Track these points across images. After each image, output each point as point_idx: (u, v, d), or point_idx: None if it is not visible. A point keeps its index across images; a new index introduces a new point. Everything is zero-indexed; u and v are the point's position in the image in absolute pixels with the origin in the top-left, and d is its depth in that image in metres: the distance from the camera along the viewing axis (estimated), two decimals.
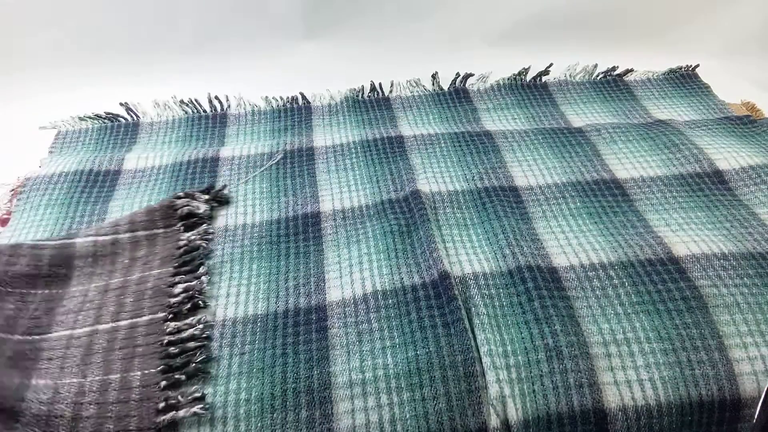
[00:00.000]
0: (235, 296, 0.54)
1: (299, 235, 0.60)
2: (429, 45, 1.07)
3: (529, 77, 0.93)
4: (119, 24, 1.01)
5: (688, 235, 0.58)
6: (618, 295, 0.51)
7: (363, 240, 0.59)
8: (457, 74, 0.93)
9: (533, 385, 0.44)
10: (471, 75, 0.93)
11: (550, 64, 0.93)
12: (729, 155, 0.69)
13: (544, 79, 0.92)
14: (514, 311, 0.50)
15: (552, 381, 0.44)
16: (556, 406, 0.43)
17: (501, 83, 0.91)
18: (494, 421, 0.43)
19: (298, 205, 0.64)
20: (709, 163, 0.68)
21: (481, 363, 0.46)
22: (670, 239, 0.57)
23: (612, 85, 0.92)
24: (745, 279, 0.51)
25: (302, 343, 0.49)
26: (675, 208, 0.62)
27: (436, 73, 0.93)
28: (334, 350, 0.48)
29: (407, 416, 0.44)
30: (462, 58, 1.03)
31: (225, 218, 0.63)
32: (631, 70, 0.95)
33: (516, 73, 0.93)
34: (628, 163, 0.70)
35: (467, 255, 0.57)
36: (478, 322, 0.49)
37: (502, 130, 0.77)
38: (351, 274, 0.55)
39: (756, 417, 0.42)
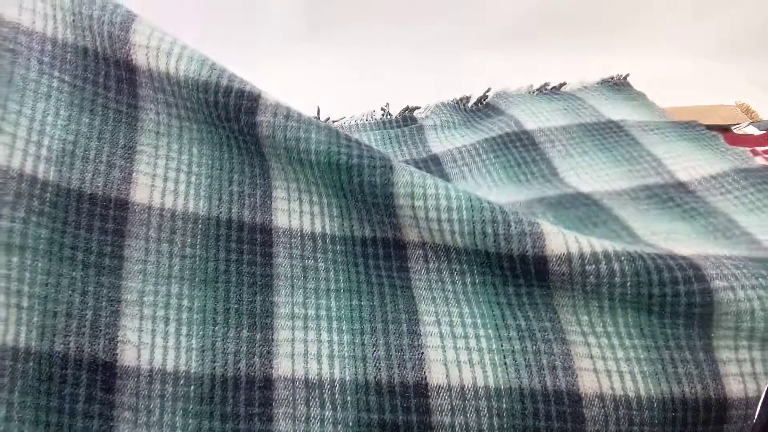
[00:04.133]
0: (173, 182, 0.47)
1: (244, 129, 0.49)
2: (430, 44, 1.07)
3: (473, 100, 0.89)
4: None
5: (675, 241, 0.54)
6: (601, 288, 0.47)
7: (313, 164, 0.49)
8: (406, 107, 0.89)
9: (504, 358, 0.42)
10: (417, 108, 0.89)
11: (488, 89, 0.90)
12: (688, 165, 0.66)
13: (487, 96, 0.88)
14: (486, 290, 0.47)
15: (525, 358, 0.42)
16: (528, 381, 0.41)
17: (445, 103, 0.87)
18: (440, 380, 0.41)
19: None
20: (670, 175, 0.65)
21: (438, 326, 0.44)
22: (659, 245, 0.53)
23: (552, 93, 0.89)
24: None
25: (246, 264, 0.45)
26: (654, 217, 0.59)
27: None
28: (278, 280, 0.45)
29: (346, 356, 0.42)
30: (463, 57, 1.03)
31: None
32: (564, 84, 0.91)
33: (458, 99, 0.89)
34: (588, 177, 0.66)
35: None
36: (442, 295, 0.46)
37: (449, 150, 0.73)
38: (300, 201, 0.49)
39: (756, 417, 0.42)
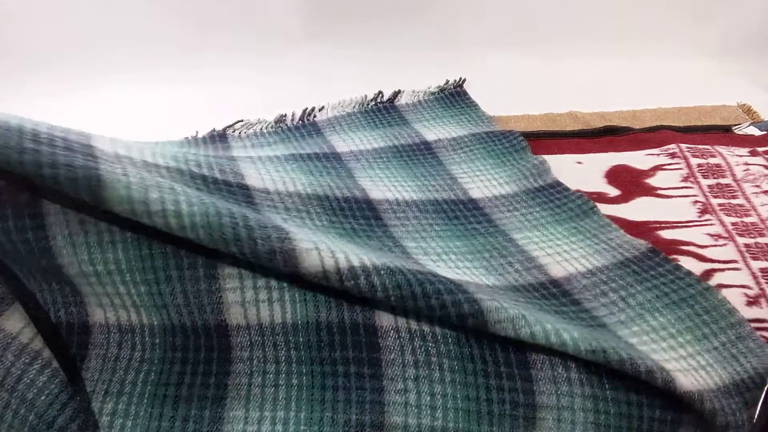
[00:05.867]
0: None
1: None
2: (431, 45, 1.08)
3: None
4: (118, 24, 1.01)
5: (448, 267, 0.53)
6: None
7: None
8: None
9: (304, 295, 0.44)
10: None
11: (321, 107, 0.89)
12: (482, 185, 0.69)
13: (316, 115, 0.87)
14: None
15: (324, 296, 0.44)
16: (326, 315, 0.43)
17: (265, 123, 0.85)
18: (239, 320, 0.43)
19: None
20: (463, 192, 0.67)
21: (238, 267, 0.43)
22: (426, 266, 0.51)
23: (384, 112, 0.88)
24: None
25: (20, 242, 0.42)
26: (432, 236, 0.58)
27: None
28: (56, 241, 0.42)
29: (147, 303, 0.43)
30: (464, 57, 1.03)
31: None
32: (400, 92, 0.91)
33: (281, 115, 0.86)
34: (381, 184, 0.66)
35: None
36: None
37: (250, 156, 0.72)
38: None
39: (756, 417, 0.42)
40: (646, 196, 0.71)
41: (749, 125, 0.86)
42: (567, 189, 0.68)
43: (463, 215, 0.63)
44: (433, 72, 0.95)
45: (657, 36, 1.08)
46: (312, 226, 0.53)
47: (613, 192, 0.71)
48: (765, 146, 0.80)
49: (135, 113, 0.89)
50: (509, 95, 0.95)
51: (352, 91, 0.90)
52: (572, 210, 0.65)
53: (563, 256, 0.57)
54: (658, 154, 0.78)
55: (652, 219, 0.66)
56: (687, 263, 0.59)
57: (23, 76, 0.98)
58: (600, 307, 0.50)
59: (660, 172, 0.75)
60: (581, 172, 0.76)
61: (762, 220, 0.66)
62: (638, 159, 0.78)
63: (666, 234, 0.64)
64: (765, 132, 0.85)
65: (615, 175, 0.75)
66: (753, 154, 0.78)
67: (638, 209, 0.68)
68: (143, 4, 1.00)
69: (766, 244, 0.62)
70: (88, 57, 1.00)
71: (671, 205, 0.69)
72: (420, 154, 0.75)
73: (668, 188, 0.72)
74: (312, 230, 0.51)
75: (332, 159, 0.71)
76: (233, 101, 0.90)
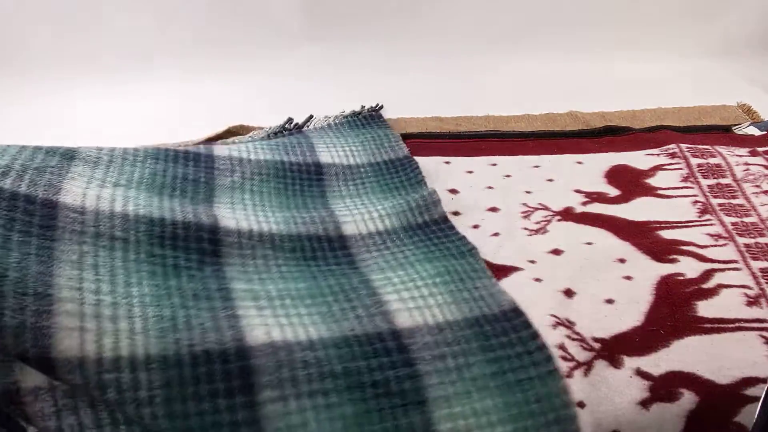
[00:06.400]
0: None
1: None
2: (431, 45, 1.08)
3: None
4: (118, 26, 1.01)
5: (275, 315, 0.49)
6: None
7: None
8: None
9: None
10: None
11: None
12: (361, 220, 0.65)
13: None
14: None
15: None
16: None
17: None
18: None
19: None
20: (335, 226, 0.63)
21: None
22: (248, 321, 0.47)
23: (286, 133, 0.83)
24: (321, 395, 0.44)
25: None
26: (273, 277, 0.55)
27: None
28: None
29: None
30: (464, 58, 1.03)
31: None
32: (311, 117, 0.86)
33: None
34: (242, 214, 0.61)
35: None
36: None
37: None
38: None
39: (756, 417, 0.42)
40: (646, 196, 0.71)
41: (749, 125, 0.86)
42: (451, 227, 0.64)
43: (323, 256, 0.59)
44: (434, 72, 0.95)
45: (657, 36, 1.09)
46: (120, 261, 0.49)
47: (613, 192, 0.71)
48: (765, 146, 0.80)
49: (135, 115, 0.89)
50: (509, 95, 0.95)
51: (352, 91, 0.90)
52: (449, 249, 0.61)
53: (417, 302, 0.53)
54: (658, 154, 0.79)
55: (652, 219, 0.66)
56: (687, 263, 0.59)
57: (23, 76, 0.98)
58: (433, 374, 0.46)
59: (660, 172, 0.75)
60: (581, 172, 0.76)
61: (762, 220, 0.66)
62: (638, 159, 0.78)
63: (666, 234, 0.64)
64: (765, 132, 0.85)
65: (615, 175, 0.75)
66: (753, 154, 0.78)
67: (638, 209, 0.68)
68: (144, 6, 1.01)
69: (766, 244, 0.63)
70: (88, 60, 1.00)
71: (671, 205, 0.69)
72: (306, 180, 0.70)
73: (668, 188, 0.72)
74: (104, 274, 0.48)
75: (202, 165, 0.66)
76: (233, 102, 0.90)
